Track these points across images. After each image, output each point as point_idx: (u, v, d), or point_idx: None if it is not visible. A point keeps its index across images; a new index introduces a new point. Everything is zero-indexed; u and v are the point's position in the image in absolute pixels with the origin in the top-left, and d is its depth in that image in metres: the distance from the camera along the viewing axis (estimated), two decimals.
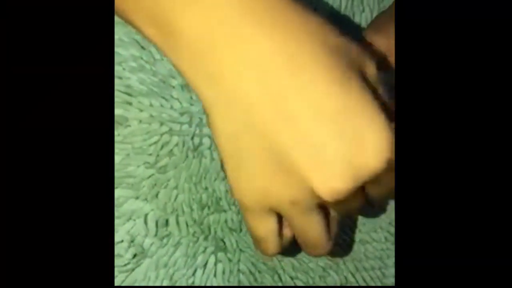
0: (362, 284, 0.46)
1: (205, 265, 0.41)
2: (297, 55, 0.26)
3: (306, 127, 0.27)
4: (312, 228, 0.32)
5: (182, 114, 0.40)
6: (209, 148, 0.41)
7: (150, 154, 0.40)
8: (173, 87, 0.40)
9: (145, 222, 0.40)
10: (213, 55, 0.26)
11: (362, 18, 0.47)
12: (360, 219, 0.46)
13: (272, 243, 0.33)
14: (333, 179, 0.27)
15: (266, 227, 0.32)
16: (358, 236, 0.46)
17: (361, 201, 0.31)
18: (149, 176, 0.40)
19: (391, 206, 0.48)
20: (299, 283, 0.44)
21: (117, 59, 0.39)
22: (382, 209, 0.46)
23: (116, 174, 0.39)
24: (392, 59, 0.41)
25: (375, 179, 0.29)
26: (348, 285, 0.45)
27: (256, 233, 0.33)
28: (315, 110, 0.26)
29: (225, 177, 0.41)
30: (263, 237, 0.33)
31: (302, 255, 0.44)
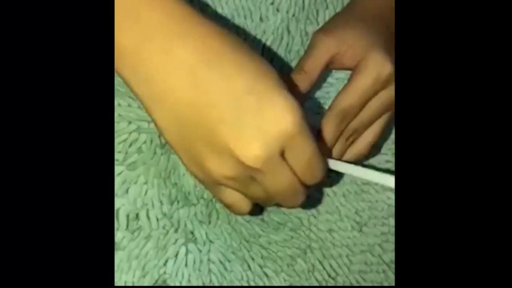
0: (330, 270, 0.48)
1: (176, 256, 0.43)
2: (209, 56, 0.33)
3: (225, 107, 0.32)
4: (272, 187, 0.35)
5: None
6: None
7: (120, 152, 0.42)
8: None
9: (117, 216, 0.42)
10: (144, 64, 0.33)
11: (326, 15, 0.48)
12: (327, 209, 0.48)
13: (239, 207, 0.38)
14: (251, 146, 0.33)
15: (228, 197, 0.38)
16: (325, 225, 0.48)
17: (287, 171, 0.35)
18: (119, 173, 0.42)
19: (354, 196, 0.50)
20: (268, 271, 0.46)
21: None
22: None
23: None
24: (340, 59, 0.43)
25: (290, 145, 0.33)
26: (316, 271, 0.47)
27: (222, 202, 0.38)
28: (230, 91, 0.32)
29: None
30: (229, 204, 0.38)
31: (271, 245, 0.46)
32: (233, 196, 0.37)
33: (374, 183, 0.43)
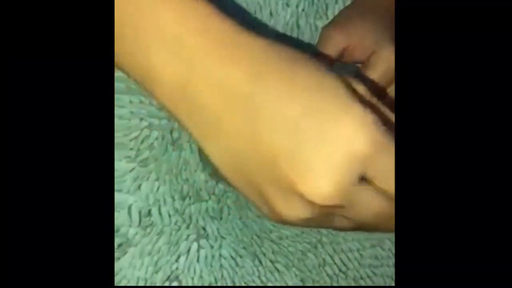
0: (340, 265, 0.48)
1: (188, 252, 0.43)
2: (258, 78, 0.28)
3: (281, 134, 0.27)
4: (359, 219, 0.29)
5: (160, 109, 0.42)
6: (188, 141, 0.43)
7: (131, 149, 0.42)
8: None
9: (129, 213, 0.42)
10: (187, 95, 0.29)
11: (336, 9, 0.48)
12: None
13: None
14: (319, 183, 0.27)
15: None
16: None
17: (375, 198, 0.29)
18: (131, 170, 0.42)
19: None
20: (279, 266, 0.46)
21: None
22: None
23: None
24: (350, 53, 0.43)
25: (372, 169, 0.28)
26: (327, 265, 0.47)
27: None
28: (285, 115, 0.27)
29: (204, 168, 0.43)
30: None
31: (282, 240, 0.46)
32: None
33: None
